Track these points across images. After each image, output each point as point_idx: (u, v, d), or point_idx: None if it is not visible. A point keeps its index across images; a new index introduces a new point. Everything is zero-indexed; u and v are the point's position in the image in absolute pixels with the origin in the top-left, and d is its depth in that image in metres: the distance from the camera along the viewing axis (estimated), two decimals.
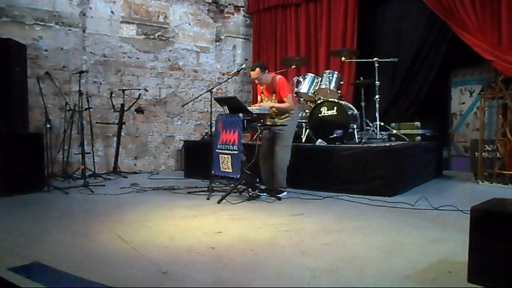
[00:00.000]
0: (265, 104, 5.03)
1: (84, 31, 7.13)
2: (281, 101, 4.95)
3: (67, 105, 6.59)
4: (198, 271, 2.43)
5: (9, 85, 5.31)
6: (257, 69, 4.95)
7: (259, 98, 5.29)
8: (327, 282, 2.23)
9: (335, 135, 5.66)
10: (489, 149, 5.73)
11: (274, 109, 4.97)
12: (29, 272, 2.39)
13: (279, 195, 4.78)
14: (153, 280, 2.27)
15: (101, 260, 2.61)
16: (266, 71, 5.03)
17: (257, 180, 5.04)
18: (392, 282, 2.24)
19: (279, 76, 5.04)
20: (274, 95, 4.99)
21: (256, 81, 5.06)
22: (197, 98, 6.85)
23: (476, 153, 5.85)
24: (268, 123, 5.09)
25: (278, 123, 4.97)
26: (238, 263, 2.56)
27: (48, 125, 6.02)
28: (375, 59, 6.17)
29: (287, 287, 2.21)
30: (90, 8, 7.19)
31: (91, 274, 2.34)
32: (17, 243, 3.02)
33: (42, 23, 6.74)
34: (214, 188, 5.06)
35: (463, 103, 7.29)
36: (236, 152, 4.58)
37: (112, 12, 7.40)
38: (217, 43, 8.62)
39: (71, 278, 2.30)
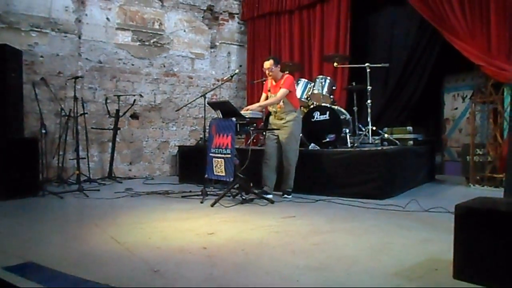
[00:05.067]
0: (253, 106, 5.11)
1: (79, 38, 7.19)
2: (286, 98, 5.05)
3: (63, 111, 6.63)
4: (189, 269, 2.48)
5: (5, 90, 5.35)
6: (271, 60, 5.08)
7: (263, 95, 5.33)
8: (316, 279, 2.28)
9: (327, 139, 5.72)
10: (480, 153, 5.80)
11: (281, 105, 5.08)
12: (23, 271, 2.42)
13: (289, 196, 5.07)
14: (145, 278, 2.32)
15: (94, 260, 2.65)
16: (279, 66, 5.14)
17: (251, 184, 5.08)
18: (380, 279, 2.29)
19: (288, 75, 5.18)
20: None
21: (267, 72, 5.11)
22: (190, 103, 6.91)
23: (467, 157, 5.92)
24: (273, 126, 5.18)
25: (282, 126, 5.07)
26: (229, 262, 2.60)
27: (44, 131, 6.04)
28: (366, 64, 6.25)
29: (276, 285, 2.25)
30: (86, 15, 7.26)
31: (84, 273, 2.37)
32: (12, 245, 3.06)
33: (38, 30, 6.80)
34: (208, 192, 5.11)
35: (456, 108, 7.38)
36: (230, 155, 4.64)
37: (107, 18, 7.47)
38: (212, 50, 8.69)
39: (65, 277, 2.34)
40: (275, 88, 5.13)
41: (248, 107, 5.15)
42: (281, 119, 5.11)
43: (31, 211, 4.51)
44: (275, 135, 5.12)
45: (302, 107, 6.47)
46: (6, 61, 5.42)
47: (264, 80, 7.08)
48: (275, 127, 5.12)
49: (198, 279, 2.31)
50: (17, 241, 3.18)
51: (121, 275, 2.37)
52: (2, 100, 5.32)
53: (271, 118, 5.26)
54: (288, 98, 5.04)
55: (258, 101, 5.46)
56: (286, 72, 5.41)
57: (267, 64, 5.08)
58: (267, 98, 5.26)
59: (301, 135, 6.02)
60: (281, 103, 5.06)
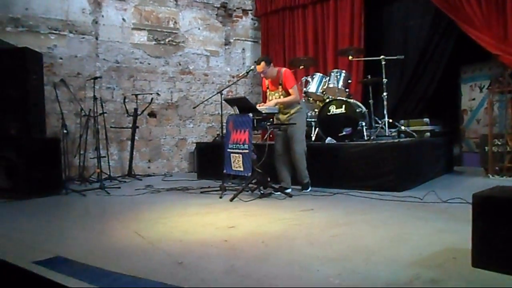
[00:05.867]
0: (270, 102, 5.13)
1: (97, 39, 7.34)
2: (287, 92, 5.05)
3: (82, 111, 6.77)
4: (211, 261, 2.55)
5: (27, 92, 5.49)
6: (262, 63, 5.03)
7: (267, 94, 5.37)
8: (335, 269, 2.32)
9: (344, 133, 5.74)
10: (499, 143, 5.76)
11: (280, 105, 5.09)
12: (52, 265, 2.52)
13: (307, 190, 5.12)
14: (169, 270, 2.39)
15: (119, 253, 2.74)
16: (271, 64, 5.12)
17: (269, 179, 5.12)
18: (399, 268, 2.32)
19: (284, 69, 5.16)
20: (280, 87, 5.08)
21: (262, 75, 5.16)
22: (207, 100, 7.02)
23: (486, 147, 5.88)
24: (278, 120, 5.18)
25: (287, 120, 5.08)
26: (249, 254, 2.66)
27: (65, 131, 6.19)
28: (381, 57, 6.24)
29: (296, 274, 2.30)
30: (102, 16, 7.40)
31: (110, 265, 2.46)
32: (39, 240, 3.17)
33: (57, 32, 6.97)
34: (227, 188, 5.18)
35: (473, 99, 7.31)
36: (247, 151, 4.70)
37: (123, 19, 7.60)
38: (227, 47, 8.76)
39: (92, 269, 2.43)
40: (274, 85, 5.16)
41: (265, 104, 5.18)
42: (286, 113, 5.13)
43: (55, 209, 4.66)
44: (282, 130, 5.15)
45: (318, 101, 6.52)
46: (27, 63, 5.54)
47: None
48: (281, 122, 5.13)
49: (220, 270, 2.38)
50: (44, 237, 3.29)
51: (146, 267, 2.45)
52: (24, 102, 5.45)
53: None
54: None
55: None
56: (297, 68, 5.37)
57: (259, 68, 5.04)
58: (267, 96, 5.27)
59: (317, 130, 6.10)
60: (283, 98, 5.07)
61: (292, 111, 5.09)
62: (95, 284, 2.22)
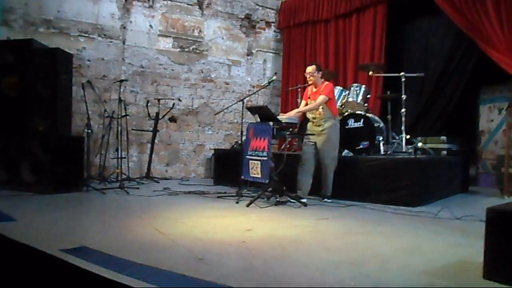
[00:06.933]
0: (291, 112, 5.24)
1: (124, 43, 7.57)
2: (325, 105, 5.15)
3: (106, 112, 6.97)
4: (230, 259, 2.65)
5: (57, 91, 5.70)
6: (314, 65, 5.23)
7: (303, 102, 5.45)
8: (350, 273, 2.41)
9: (361, 146, 5.82)
10: None
11: (320, 112, 5.18)
12: (77, 253, 2.65)
13: (328, 200, 5.20)
14: (190, 264, 2.50)
15: (142, 247, 2.87)
16: (320, 73, 5.28)
17: (284, 188, 5.21)
18: (412, 275, 2.40)
19: (328, 82, 5.32)
20: None
21: (308, 76, 5.24)
22: (227, 108, 7.21)
23: (502, 168, 5.89)
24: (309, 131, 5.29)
25: (320, 133, 5.16)
26: (267, 255, 2.76)
27: (89, 130, 6.37)
28: (401, 73, 6.31)
29: (313, 276, 2.39)
30: (131, 22, 7.64)
31: (132, 257, 2.57)
32: (65, 232, 3.32)
33: (86, 35, 7.22)
34: (243, 194, 5.29)
35: (492, 120, 7.31)
36: (266, 158, 4.81)
37: (150, 26, 7.84)
38: (248, 57, 8.93)
39: (115, 259, 2.55)
40: (315, 94, 5.24)
41: (288, 113, 5.29)
42: (319, 125, 5.19)
43: (78, 204, 4.83)
44: (312, 142, 5.19)
45: None
46: (58, 64, 5.77)
47: (299, 87, 7.25)
48: (313, 133, 5.22)
49: (240, 267, 2.49)
50: (69, 229, 3.44)
51: (167, 260, 2.56)
52: (53, 101, 5.67)
53: (309, 125, 5.33)
54: (327, 105, 5.14)
55: (293, 108, 5.58)
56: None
57: (309, 69, 5.23)
58: (307, 105, 5.35)
59: None
60: (320, 109, 5.14)
61: (326, 125, 5.15)
62: (119, 272, 2.34)
